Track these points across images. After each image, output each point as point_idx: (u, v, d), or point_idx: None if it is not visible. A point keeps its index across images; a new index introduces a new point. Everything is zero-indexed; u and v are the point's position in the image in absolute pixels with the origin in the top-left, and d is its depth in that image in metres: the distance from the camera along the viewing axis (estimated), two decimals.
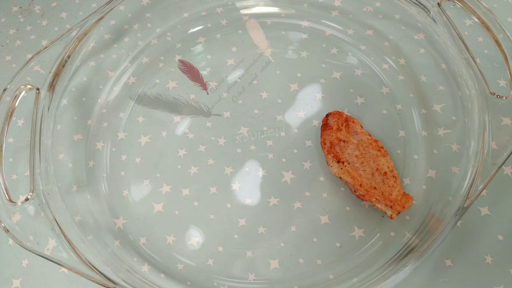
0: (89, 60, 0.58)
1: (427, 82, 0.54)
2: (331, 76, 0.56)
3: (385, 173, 0.46)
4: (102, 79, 0.57)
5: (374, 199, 0.45)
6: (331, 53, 0.58)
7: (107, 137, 0.54)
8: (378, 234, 0.47)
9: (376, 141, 0.49)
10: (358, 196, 0.46)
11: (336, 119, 0.50)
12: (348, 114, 0.53)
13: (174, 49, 0.60)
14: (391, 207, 0.45)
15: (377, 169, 0.47)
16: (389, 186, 0.46)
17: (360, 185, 0.46)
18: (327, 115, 0.51)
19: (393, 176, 0.46)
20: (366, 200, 0.46)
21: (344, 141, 0.49)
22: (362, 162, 0.47)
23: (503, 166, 0.49)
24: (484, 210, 0.48)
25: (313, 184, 0.50)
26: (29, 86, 0.47)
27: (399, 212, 0.45)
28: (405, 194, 0.45)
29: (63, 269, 0.47)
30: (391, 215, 0.45)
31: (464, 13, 0.49)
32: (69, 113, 0.55)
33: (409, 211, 0.47)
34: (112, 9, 0.53)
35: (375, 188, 0.46)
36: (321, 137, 0.51)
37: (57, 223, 0.42)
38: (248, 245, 0.48)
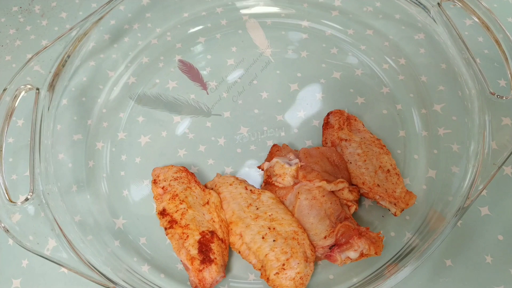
0: (89, 60, 0.58)
1: (427, 82, 0.54)
2: (331, 76, 0.56)
3: (388, 170, 0.46)
4: (102, 79, 0.57)
5: (378, 197, 0.45)
6: (331, 53, 0.58)
7: (107, 137, 0.54)
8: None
9: (378, 139, 0.49)
10: (362, 194, 0.46)
11: (337, 118, 0.51)
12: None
13: (174, 49, 0.60)
14: (395, 204, 0.45)
15: (380, 166, 0.47)
16: (392, 184, 0.46)
17: (363, 183, 0.46)
18: (328, 114, 0.51)
19: (396, 173, 0.46)
20: (370, 198, 0.46)
21: (346, 140, 0.49)
22: (365, 160, 0.47)
23: (503, 166, 0.49)
24: (484, 210, 0.48)
25: None
26: (29, 86, 0.47)
27: (403, 209, 0.45)
28: (408, 192, 0.45)
29: (63, 269, 0.47)
30: (395, 212, 0.45)
31: (464, 13, 0.49)
32: (69, 113, 0.55)
33: (409, 210, 0.47)
34: (112, 9, 0.53)
35: (378, 185, 0.46)
36: (322, 136, 0.51)
37: (57, 223, 0.42)
38: None
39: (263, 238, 0.43)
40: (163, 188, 0.47)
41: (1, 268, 0.48)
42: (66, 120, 0.54)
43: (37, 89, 0.47)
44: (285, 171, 0.46)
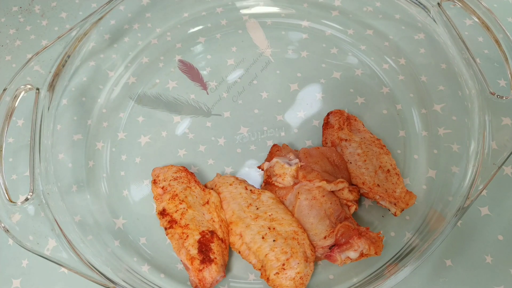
0: (89, 60, 0.58)
1: (427, 82, 0.54)
2: (331, 76, 0.56)
3: (388, 170, 0.46)
4: (102, 79, 0.57)
5: (378, 197, 0.45)
6: (331, 53, 0.58)
7: (107, 137, 0.54)
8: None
9: (378, 139, 0.49)
10: (362, 194, 0.47)
11: (337, 118, 0.51)
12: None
13: (174, 49, 0.60)
14: (395, 204, 0.45)
15: (380, 166, 0.47)
16: (392, 184, 0.46)
17: (363, 183, 0.46)
18: (328, 114, 0.51)
19: (396, 173, 0.46)
20: (370, 198, 0.46)
21: (346, 140, 0.49)
22: (365, 160, 0.47)
23: (503, 166, 0.49)
24: (484, 210, 0.48)
25: None
26: (29, 86, 0.47)
27: (403, 209, 0.45)
28: (408, 192, 0.45)
29: (63, 269, 0.47)
30: (395, 212, 0.45)
31: (464, 13, 0.49)
32: (69, 113, 0.55)
33: (409, 210, 0.47)
34: (112, 9, 0.53)
35: (378, 185, 0.46)
36: (322, 136, 0.51)
37: (57, 223, 0.42)
38: None
39: (263, 238, 0.43)
40: (163, 188, 0.47)
41: (1, 268, 0.48)
42: (66, 120, 0.54)
43: (37, 89, 0.48)
44: (285, 171, 0.46)
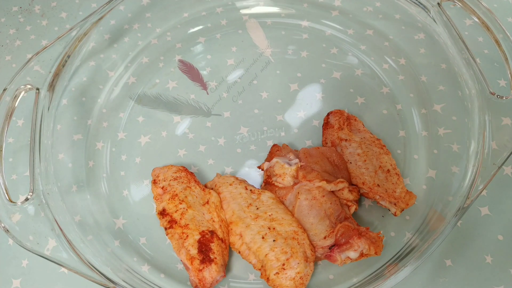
0: (89, 60, 0.58)
1: (427, 82, 0.54)
2: (331, 76, 0.56)
3: (388, 170, 0.46)
4: (102, 79, 0.57)
5: (378, 197, 0.45)
6: (331, 53, 0.58)
7: (107, 137, 0.54)
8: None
9: (378, 139, 0.49)
10: (362, 194, 0.47)
11: (337, 118, 0.51)
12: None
13: (174, 49, 0.60)
14: (395, 204, 0.45)
15: (380, 166, 0.47)
16: (392, 184, 0.46)
17: (363, 183, 0.46)
18: (328, 114, 0.51)
19: (396, 173, 0.46)
20: (370, 198, 0.46)
21: (346, 140, 0.49)
22: (365, 160, 0.47)
23: (503, 166, 0.49)
24: (484, 210, 0.48)
25: None
26: (29, 86, 0.47)
27: (403, 209, 0.45)
28: (408, 192, 0.46)
29: (63, 269, 0.47)
30: (395, 212, 0.45)
31: (464, 13, 0.49)
32: (69, 113, 0.55)
33: (409, 210, 0.47)
34: (112, 9, 0.53)
35: (378, 185, 0.46)
36: (322, 136, 0.51)
37: (57, 223, 0.42)
38: None
39: (263, 238, 0.43)
40: (162, 188, 0.47)
41: (1, 268, 0.48)
42: (66, 120, 0.54)
43: (37, 89, 0.47)
44: (285, 171, 0.46)
